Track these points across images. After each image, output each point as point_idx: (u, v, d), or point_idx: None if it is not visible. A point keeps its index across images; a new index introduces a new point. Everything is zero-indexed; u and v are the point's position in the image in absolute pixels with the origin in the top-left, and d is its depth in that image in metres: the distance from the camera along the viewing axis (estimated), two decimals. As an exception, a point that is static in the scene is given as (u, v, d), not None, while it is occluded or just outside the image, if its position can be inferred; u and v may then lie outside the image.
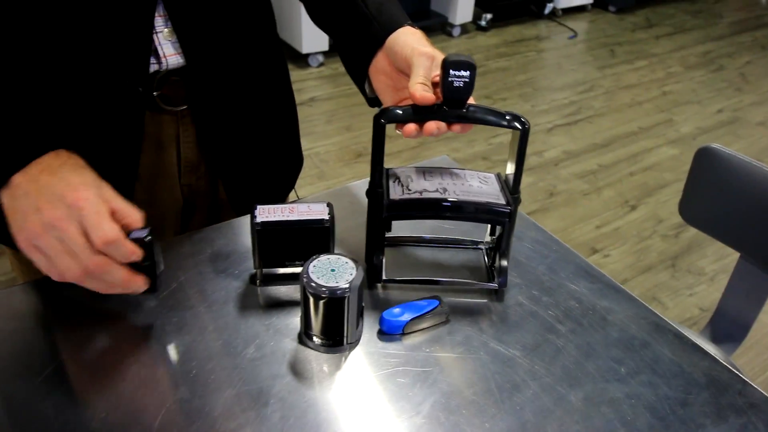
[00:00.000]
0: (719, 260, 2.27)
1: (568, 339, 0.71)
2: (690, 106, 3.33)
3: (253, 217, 0.71)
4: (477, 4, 3.88)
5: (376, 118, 0.68)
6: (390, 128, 0.69)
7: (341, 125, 2.91)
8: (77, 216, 0.58)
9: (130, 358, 0.66)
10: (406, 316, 0.70)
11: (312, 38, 3.23)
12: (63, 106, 0.73)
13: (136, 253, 0.62)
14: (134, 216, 0.63)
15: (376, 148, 0.70)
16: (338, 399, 0.63)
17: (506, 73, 3.53)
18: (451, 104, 0.67)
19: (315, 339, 0.68)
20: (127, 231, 0.63)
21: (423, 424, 0.61)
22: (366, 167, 2.59)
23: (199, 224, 0.91)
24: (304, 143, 1.04)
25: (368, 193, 0.73)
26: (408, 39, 0.72)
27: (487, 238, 0.83)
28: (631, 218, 2.46)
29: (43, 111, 0.72)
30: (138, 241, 0.63)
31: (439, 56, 0.69)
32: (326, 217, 0.72)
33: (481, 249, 0.84)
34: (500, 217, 0.73)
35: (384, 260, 0.76)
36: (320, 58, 3.37)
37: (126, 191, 0.64)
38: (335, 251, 0.72)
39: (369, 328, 0.71)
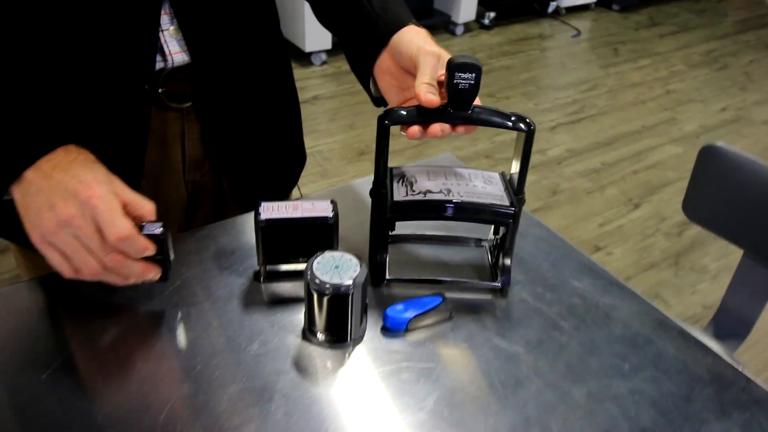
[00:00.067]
0: (722, 258, 2.26)
1: (572, 335, 0.72)
2: (694, 104, 3.32)
3: (257, 214, 0.71)
4: (480, 3, 3.87)
5: (381, 120, 0.68)
6: (393, 127, 0.69)
7: (344, 123, 2.91)
8: (91, 213, 0.59)
9: (135, 354, 0.66)
10: (410, 313, 0.70)
11: (315, 36, 3.23)
12: (70, 104, 0.73)
13: (149, 249, 0.63)
14: (147, 207, 0.64)
15: (380, 150, 0.70)
16: (342, 395, 0.64)
17: (509, 71, 3.52)
18: (456, 106, 0.67)
19: (319, 335, 0.68)
20: (140, 224, 0.63)
21: (427, 419, 0.62)
22: (369, 165, 2.59)
23: (203, 220, 0.92)
24: (307, 141, 1.05)
25: (372, 193, 0.73)
26: (413, 38, 0.72)
27: (491, 236, 0.83)
28: (635, 216, 2.46)
29: (52, 108, 0.72)
30: (151, 237, 0.63)
31: (445, 55, 0.68)
32: (330, 214, 0.72)
33: (485, 246, 0.84)
34: (504, 219, 0.73)
35: (387, 258, 0.77)
36: (323, 56, 3.37)
37: (131, 188, 0.64)
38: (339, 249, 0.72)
39: (373, 325, 0.71)
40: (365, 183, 0.94)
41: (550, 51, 3.91)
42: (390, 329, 0.71)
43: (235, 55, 0.82)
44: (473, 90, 0.65)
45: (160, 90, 0.77)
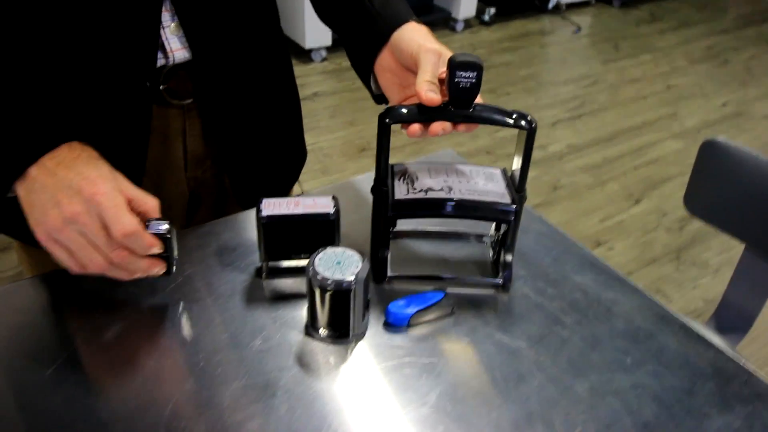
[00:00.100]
0: (723, 253, 2.26)
1: (574, 330, 0.72)
2: (694, 100, 3.32)
3: (259, 210, 0.71)
4: (480, -1, 3.87)
5: (381, 119, 0.67)
6: (394, 125, 0.69)
7: (345, 120, 2.91)
8: (96, 210, 0.60)
9: (138, 350, 0.67)
10: (412, 308, 0.71)
11: (315, 33, 3.22)
12: (72, 101, 0.73)
13: (155, 245, 0.64)
14: (151, 203, 0.65)
15: (381, 148, 0.69)
16: (345, 390, 0.64)
17: (510, 67, 3.52)
18: (457, 104, 0.66)
19: (321, 331, 0.68)
20: (145, 220, 0.64)
21: (429, 414, 0.62)
22: (369, 162, 2.59)
23: (205, 217, 0.92)
24: (308, 138, 1.05)
25: (373, 191, 0.73)
26: (414, 35, 0.72)
27: (492, 232, 0.83)
28: (636, 211, 2.46)
29: (54, 105, 0.72)
30: (157, 235, 0.64)
31: (446, 53, 0.68)
32: (332, 210, 0.72)
33: (486, 242, 0.84)
34: (506, 216, 0.73)
35: (389, 254, 0.77)
36: (323, 53, 3.37)
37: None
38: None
39: (375, 320, 0.71)
40: (366, 179, 0.94)
41: (550, 47, 3.90)
42: (392, 325, 0.71)
43: (236, 52, 0.82)
44: (474, 88, 0.64)
45: (161, 87, 0.77)
